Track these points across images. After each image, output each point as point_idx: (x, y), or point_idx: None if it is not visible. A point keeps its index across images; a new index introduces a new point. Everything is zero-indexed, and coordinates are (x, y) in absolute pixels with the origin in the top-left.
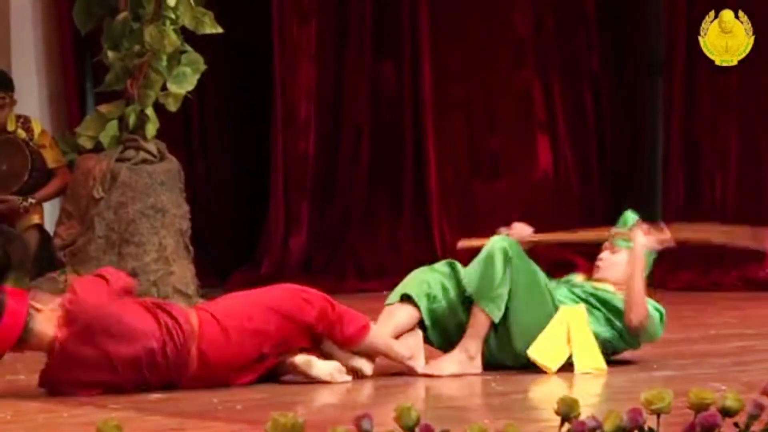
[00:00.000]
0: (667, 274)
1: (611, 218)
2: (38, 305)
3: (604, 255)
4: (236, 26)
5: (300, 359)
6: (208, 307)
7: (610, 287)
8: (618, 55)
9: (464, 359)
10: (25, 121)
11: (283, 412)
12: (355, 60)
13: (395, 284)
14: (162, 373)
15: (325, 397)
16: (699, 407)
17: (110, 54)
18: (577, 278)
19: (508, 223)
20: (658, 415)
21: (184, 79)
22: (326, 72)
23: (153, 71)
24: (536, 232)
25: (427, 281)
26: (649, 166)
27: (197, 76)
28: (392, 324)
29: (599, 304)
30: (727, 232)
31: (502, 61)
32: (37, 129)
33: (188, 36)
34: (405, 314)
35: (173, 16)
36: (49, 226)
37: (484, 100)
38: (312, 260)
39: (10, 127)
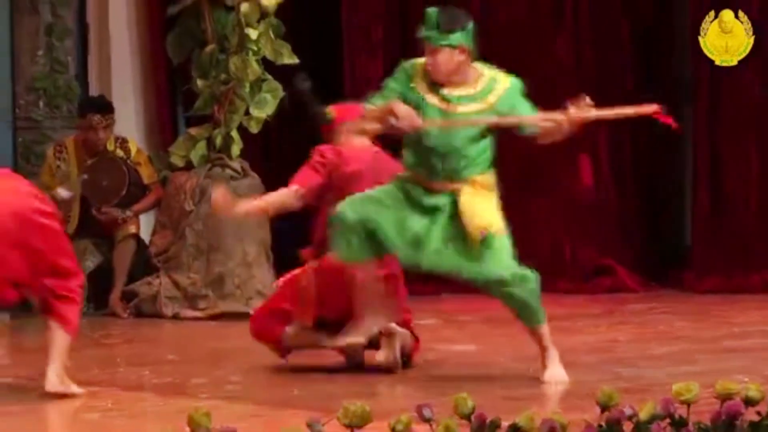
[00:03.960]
0: (695, 279)
1: (645, 230)
2: None
3: None
4: (310, 57)
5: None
6: None
7: None
8: (651, 77)
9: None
10: (122, 142)
11: (352, 401)
12: None
13: (454, 287)
14: None
15: (390, 387)
16: (725, 397)
17: (199, 82)
18: None
19: (550, 236)
20: (688, 405)
21: (265, 104)
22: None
23: (237, 97)
24: (575, 241)
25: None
26: (679, 180)
27: (276, 102)
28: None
29: None
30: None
31: (544, 84)
32: (133, 148)
33: (268, 65)
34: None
35: (255, 48)
36: (145, 236)
37: None
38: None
39: (110, 147)
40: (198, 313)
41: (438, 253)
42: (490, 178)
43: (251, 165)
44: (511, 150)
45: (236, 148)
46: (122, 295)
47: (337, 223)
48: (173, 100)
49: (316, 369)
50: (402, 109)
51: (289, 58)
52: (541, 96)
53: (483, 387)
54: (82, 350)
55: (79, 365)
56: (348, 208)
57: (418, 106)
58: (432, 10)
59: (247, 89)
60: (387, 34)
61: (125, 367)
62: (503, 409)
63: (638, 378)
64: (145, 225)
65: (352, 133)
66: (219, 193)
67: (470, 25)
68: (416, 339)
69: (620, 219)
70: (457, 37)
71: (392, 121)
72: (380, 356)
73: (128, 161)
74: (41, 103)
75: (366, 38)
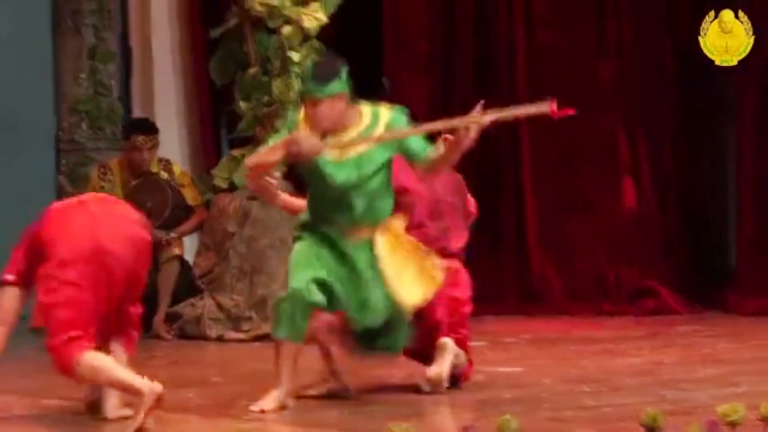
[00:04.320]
0: (740, 300)
1: (689, 251)
2: None
3: None
4: (353, 79)
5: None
6: None
7: None
8: (694, 99)
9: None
10: (166, 163)
11: (397, 423)
12: (460, 107)
13: (498, 309)
14: None
15: (435, 408)
16: None
17: (242, 104)
18: None
19: (593, 258)
20: (734, 426)
21: None
22: (435, 118)
23: (280, 119)
24: (618, 263)
25: None
26: (722, 201)
27: None
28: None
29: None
30: (515, 109)
31: (589, 107)
32: (177, 170)
33: None
34: None
35: (298, 70)
36: (189, 257)
37: (574, 143)
38: None
39: (154, 169)
40: (242, 335)
41: (376, 313)
42: (398, 220)
43: (295, 187)
44: (552, 173)
45: (279, 170)
46: (166, 317)
47: (289, 301)
48: (216, 122)
49: (361, 390)
50: (303, 134)
51: None
52: (585, 118)
53: (528, 409)
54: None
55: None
56: (300, 287)
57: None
58: (308, 65)
59: (290, 111)
60: (430, 52)
61: (169, 389)
62: (549, 431)
63: (683, 400)
64: (189, 247)
65: (254, 168)
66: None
67: (345, 70)
68: (470, 362)
69: (664, 240)
70: (335, 86)
71: (294, 147)
72: (431, 371)
73: (172, 183)
74: (84, 126)
75: (409, 57)
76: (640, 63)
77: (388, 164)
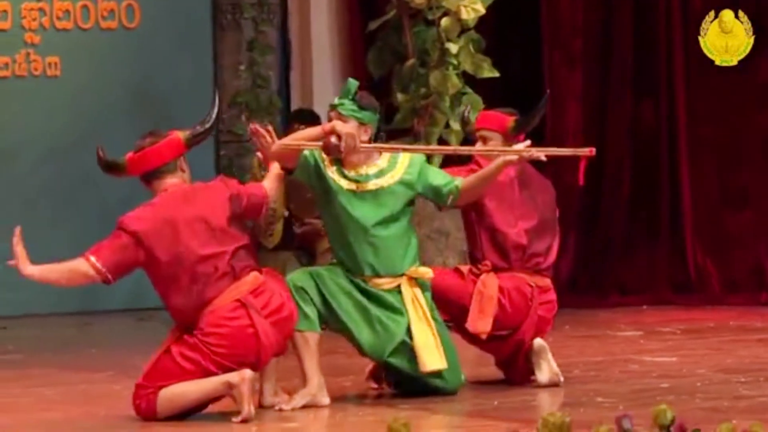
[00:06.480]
0: None
1: None
2: None
3: None
4: (510, 71)
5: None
6: None
7: None
8: None
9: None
10: None
11: (552, 412)
12: (616, 101)
13: (653, 299)
14: None
15: (589, 398)
16: None
17: (399, 96)
18: None
19: (750, 250)
20: None
21: None
22: (591, 112)
23: (437, 111)
24: None
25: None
26: None
27: (476, 116)
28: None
29: None
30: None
31: (747, 102)
32: None
33: (468, 79)
34: None
35: (455, 62)
36: None
37: (732, 137)
38: (577, 279)
39: None
40: None
41: (397, 352)
42: (425, 270)
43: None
44: (709, 165)
45: (436, 162)
46: None
47: (293, 293)
48: None
49: (502, 382)
50: (344, 128)
51: (490, 72)
52: (744, 111)
53: (683, 398)
54: (282, 362)
55: (281, 376)
56: (300, 279)
57: (330, 187)
58: (353, 83)
59: (447, 103)
60: (586, 47)
61: (325, 378)
62: (704, 420)
63: None
64: None
65: (277, 150)
66: None
67: (378, 114)
68: None
69: None
70: (368, 116)
71: (333, 140)
72: (543, 377)
73: None
74: (243, 118)
75: (566, 52)
76: None
77: (410, 206)
